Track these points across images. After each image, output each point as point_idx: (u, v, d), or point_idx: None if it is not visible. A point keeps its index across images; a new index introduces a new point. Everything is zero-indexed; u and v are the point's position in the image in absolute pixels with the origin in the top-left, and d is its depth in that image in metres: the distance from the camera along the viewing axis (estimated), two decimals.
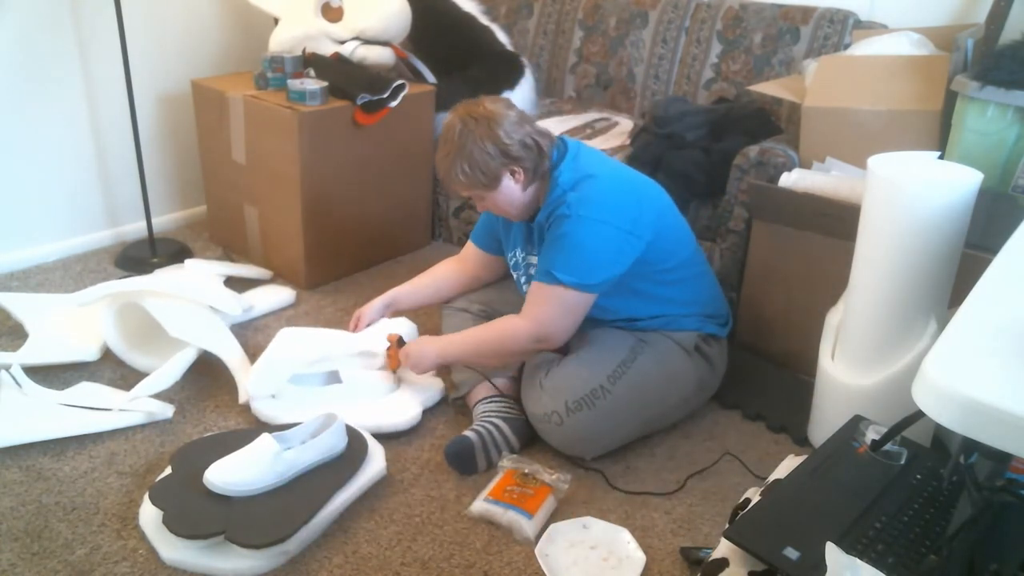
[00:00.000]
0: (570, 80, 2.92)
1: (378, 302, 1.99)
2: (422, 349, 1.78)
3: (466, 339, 1.76)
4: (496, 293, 1.97)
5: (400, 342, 1.84)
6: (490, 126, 1.61)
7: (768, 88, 2.23)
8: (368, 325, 1.96)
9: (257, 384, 1.81)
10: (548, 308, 1.66)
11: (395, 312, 2.02)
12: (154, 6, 2.59)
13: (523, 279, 1.84)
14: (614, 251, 1.63)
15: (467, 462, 1.68)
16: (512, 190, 1.67)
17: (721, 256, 2.16)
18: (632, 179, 1.73)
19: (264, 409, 1.80)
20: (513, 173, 1.65)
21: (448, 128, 1.64)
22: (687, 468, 1.75)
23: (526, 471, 1.63)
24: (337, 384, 1.86)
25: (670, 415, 1.82)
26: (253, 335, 2.18)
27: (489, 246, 1.96)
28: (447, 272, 2.02)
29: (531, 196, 1.70)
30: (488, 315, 1.92)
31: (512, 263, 1.87)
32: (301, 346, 1.87)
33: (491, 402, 1.79)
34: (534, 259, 1.78)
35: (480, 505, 1.57)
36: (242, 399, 1.86)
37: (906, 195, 1.51)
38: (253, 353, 2.07)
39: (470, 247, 2.00)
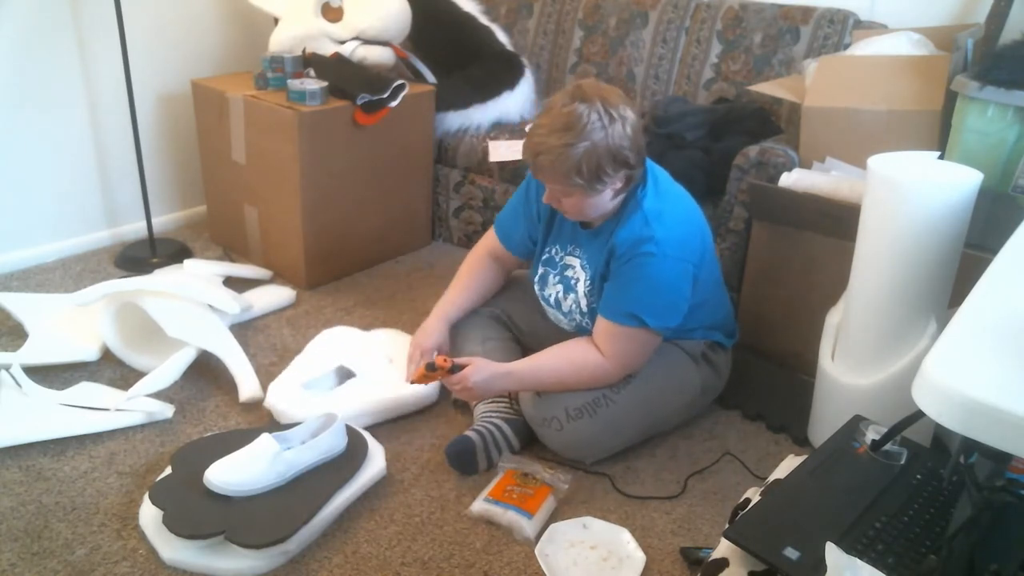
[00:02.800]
0: (570, 80, 2.92)
1: (435, 329, 1.79)
2: (491, 382, 1.61)
3: (544, 377, 1.64)
4: (506, 296, 1.95)
5: (454, 368, 1.61)
6: (624, 127, 1.47)
7: (768, 88, 2.23)
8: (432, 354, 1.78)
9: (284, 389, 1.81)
10: (632, 348, 1.62)
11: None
12: (154, 6, 2.59)
13: (554, 278, 1.77)
14: (689, 289, 1.61)
15: (468, 462, 1.68)
16: (606, 196, 1.54)
17: (721, 256, 2.16)
18: (693, 207, 1.68)
19: (279, 408, 1.79)
20: (616, 182, 1.53)
21: (574, 113, 1.45)
22: (688, 468, 1.75)
23: (526, 471, 1.63)
24: (351, 380, 1.87)
25: (672, 420, 1.82)
26: (253, 335, 2.18)
27: (515, 247, 1.87)
28: (490, 275, 1.91)
29: (614, 206, 1.60)
30: (498, 317, 1.91)
31: (544, 258, 1.79)
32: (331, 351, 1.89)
33: (492, 402, 1.79)
34: (573, 262, 1.72)
35: (480, 505, 1.57)
36: (243, 397, 1.86)
37: (906, 195, 1.51)
38: (253, 353, 2.07)
39: (501, 248, 1.89)
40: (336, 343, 1.99)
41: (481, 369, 1.60)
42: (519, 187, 1.87)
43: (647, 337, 1.62)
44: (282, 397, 1.80)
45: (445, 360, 1.61)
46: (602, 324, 1.63)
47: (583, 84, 1.51)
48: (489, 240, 1.92)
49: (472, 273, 1.90)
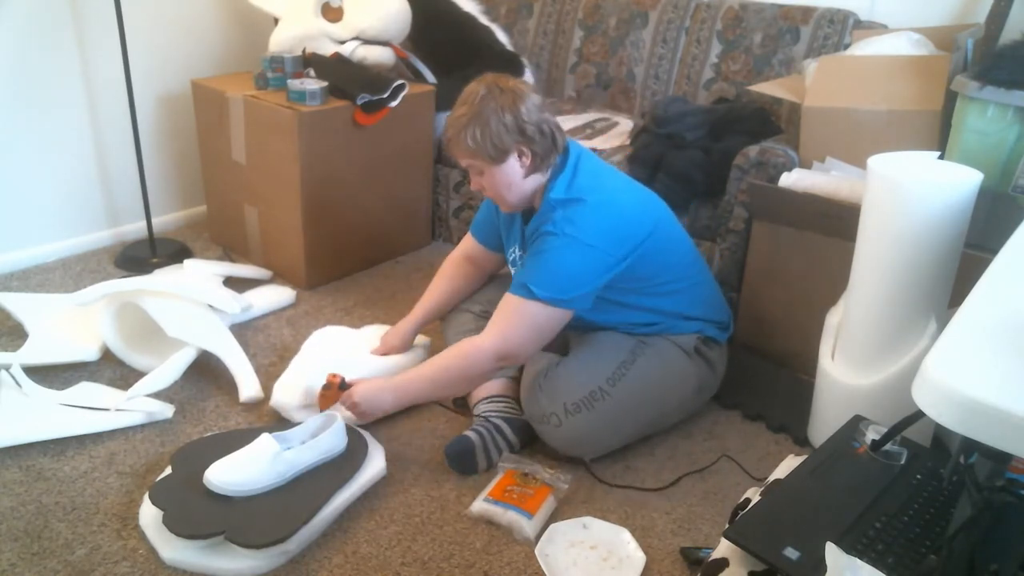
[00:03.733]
0: (570, 80, 2.92)
1: (408, 330, 1.95)
2: (375, 396, 1.66)
3: (423, 375, 1.66)
4: (496, 291, 1.95)
5: (343, 385, 1.68)
6: (514, 99, 1.58)
7: (768, 88, 2.23)
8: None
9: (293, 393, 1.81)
10: (516, 325, 1.61)
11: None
12: (154, 6, 2.59)
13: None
14: (592, 272, 1.61)
15: (467, 462, 1.68)
16: (515, 172, 1.62)
17: (721, 256, 2.16)
18: (623, 202, 1.66)
19: (287, 405, 1.79)
20: (521, 154, 1.60)
21: (470, 92, 1.60)
22: (687, 468, 1.75)
23: (526, 471, 1.63)
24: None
25: (669, 417, 1.82)
26: (253, 335, 2.18)
27: (491, 242, 1.93)
28: (462, 275, 1.97)
29: (530, 188, 1.66)
30: (491, 315, 1.91)
31: (511, 260, 1.86)
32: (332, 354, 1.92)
33: (491, 402, 1.79)
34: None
35: (480, 505, 1.57)
36: (243, 397, 1.86)
37: (906, 195, 1.51)
38: (253, 353, 2.07)
39: (474, 244, 1.96)
40: (328, 342, 1.99)
41: (365, 387, 1.67)
42: None
43: (535, 310, 1.59)
44: (289, 396, 1.80)
45: (335, 376, 1.69)
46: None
47: (486, 75, 1.64)
48: (464, 243, 1.99)
49: (444, 277, 1.99)
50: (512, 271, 1.87)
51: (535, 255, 1.62)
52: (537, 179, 1.65)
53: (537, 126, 1.60)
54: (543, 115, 1.61)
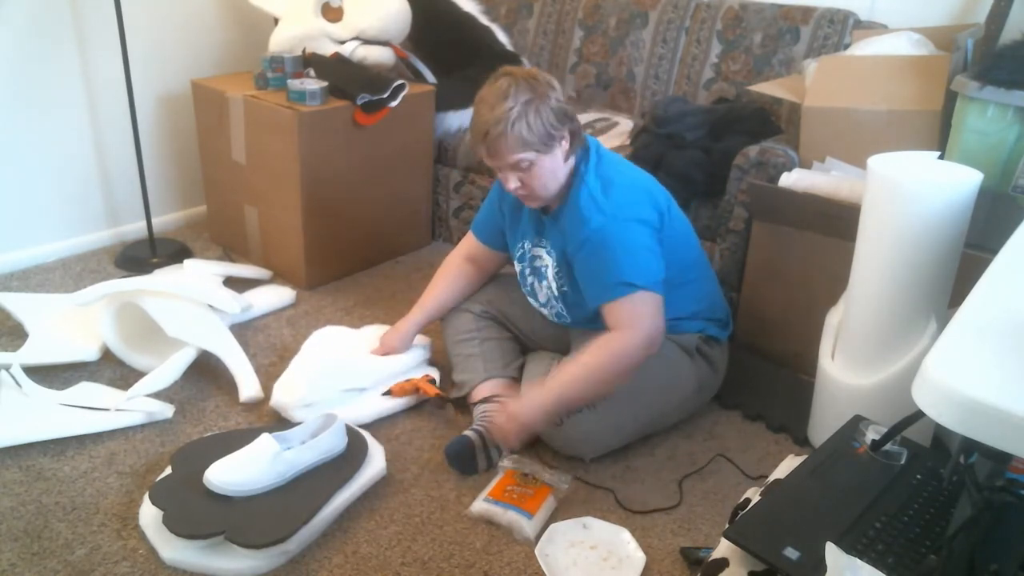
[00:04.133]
0: (570, 80, 2.92)
1: (408, 331, 1.95)
2: (525, 414, 1.61)
3: (571, 380, 1.61)
4: (496, 291, 1.96)
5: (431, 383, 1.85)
6: (548, 90, 1.58)
7: (768, 88, 2.23)
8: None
9: (296, 393, 1.80)
10: (639, 310, 1.60)
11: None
12: (154, 6, 2.59)
13: (527, 271, 1.82)
14: (654, 248, 1.63)
15: (467, 462, 1.68)
16: (558, 158, 1.61)
17: (721, 256, 2.16)
18: (648, 182, 1.72)
19: (287, 405, 1.79)
20: (563, 139, 1.60)
21: (500, 89, 1.57)
22: (687, 468, 1.75)
23: (526, 471, 1.63)
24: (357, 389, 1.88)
25: (670, 416, 1.82)
26: (253, 335, 2.18)
27: (494, 242, 1.93)
28: (463, 276, 1.97)
29: (565, 175, 1.65)
30: (491, 315, 1.92)
31: (518, 255, 1.85)
32: (334, 357, 1.93)
33: (492, 402, 1.79)
34: (540, 251, 1.77)
35: (480, 505, 1.57)
36: (243, 397, 1.86)
37: (906, 195, 1.51)
38: (253, 353, 2.07)
39: (475, 244, 1.95)
40: (328, 342, 1.99)
41: (507, 402, 1.67)
42: (490, 191, 1.92)
43: (646, 297, 1.60)
44: (289, 396, 1.80)
45: (426, 378, 1.89)
46: (604, 312, 1.63)
47: (501, 69, 1.62)
48: (465, 243, 1.99)
49: (444, 277, 1.98)
50: (518, 268, 1.86)
51: (602, 252, 1.60)
52: (569, 165, 1.66)
53: (571, 114, 1.62)
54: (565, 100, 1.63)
